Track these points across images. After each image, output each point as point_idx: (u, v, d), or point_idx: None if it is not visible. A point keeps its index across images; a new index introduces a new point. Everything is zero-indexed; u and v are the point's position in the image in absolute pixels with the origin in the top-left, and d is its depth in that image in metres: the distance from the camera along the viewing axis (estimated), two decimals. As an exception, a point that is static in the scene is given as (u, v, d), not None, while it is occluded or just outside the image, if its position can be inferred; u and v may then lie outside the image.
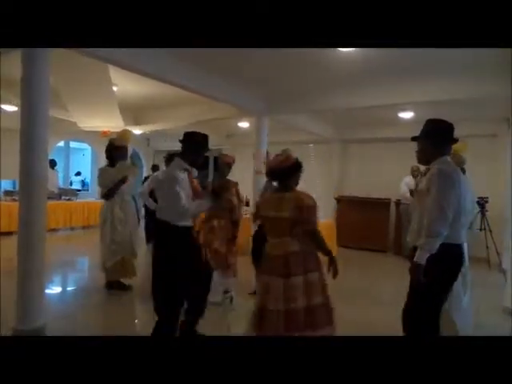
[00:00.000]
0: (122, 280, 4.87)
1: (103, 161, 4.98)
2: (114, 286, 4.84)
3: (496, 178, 7.20)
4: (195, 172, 3.08)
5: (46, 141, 3.42)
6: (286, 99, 6.50)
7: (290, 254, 2.73)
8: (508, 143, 6.52)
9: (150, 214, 7.39)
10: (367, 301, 4.68)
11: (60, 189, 10.47)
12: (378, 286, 5.94)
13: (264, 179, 6.76)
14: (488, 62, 4.47)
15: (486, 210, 7.09)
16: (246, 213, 6.08)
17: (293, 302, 2.66)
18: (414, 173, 7.22)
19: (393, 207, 8.64)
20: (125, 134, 4.91)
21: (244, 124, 9.07)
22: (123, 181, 4.62)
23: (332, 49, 4.31)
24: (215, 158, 4.54)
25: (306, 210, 2.73)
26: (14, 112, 6.76)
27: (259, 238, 4.50)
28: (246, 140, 9.24)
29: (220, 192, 3.03)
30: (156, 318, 2.88)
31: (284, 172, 2.87)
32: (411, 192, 7.33)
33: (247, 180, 6.39)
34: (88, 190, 13.31)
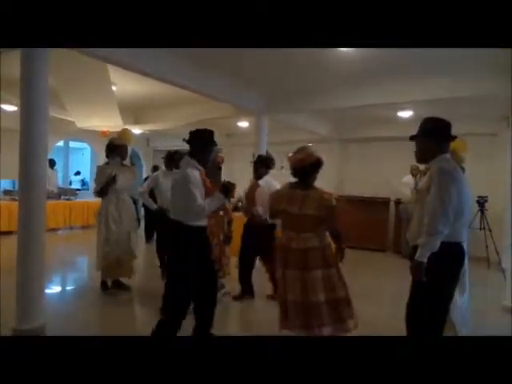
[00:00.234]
0: (121, 280, 4.87)
1: (103, 160, 4.96)
2: (113, 285, 4.83)
3: (496, 176, 7.20)
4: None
5: (45, 140, 3.42)
6: (286, 98, 6.50)
7: (310, 249, 2.87)
8: (508, 142, 6.52)
9: (149, 214, 7.40)
10: (367, 300, 4.68)
11: (59, 188, 10.46)
12: (378, 285, 5.94)
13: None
14: (488, 60, 4.47)
15: (486, 209, 7.10)
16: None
17: (313, 296, 2.81)
18: (414, 172, 7.21)
19: (392, 206, 8.65)
20: (125, 134, 4.90)
21: (244, 123, 9.07)
22: (112, 181, 4.53)
23: (332, 48, 4.31)
24: (171, 156, 4.43)
25: (330, 208, 2.91)
26: (13, 112, 6.75)
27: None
28: (245, 139, 9.24)
29: (231, 189, 3.00)
30: (158, 317, 2.88)
31: (306, 169, 2.97)
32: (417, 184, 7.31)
33: (247, 180, 6.38)
34: (88, 190, 13.28)
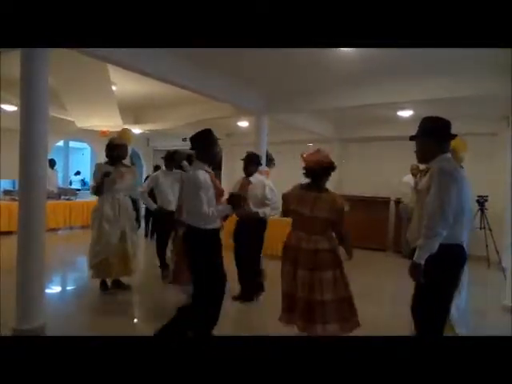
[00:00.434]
0: (121, 280, 4.86)
1: (103, 160, 4.94)
2: (113, 285, 4.83)
3: (496, 176, 7.20)
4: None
5: (45, 140, 3.42)
6: (286, 98, 6.50)
7: (321, 251, 2.94)
8: (508, 141, 6.52)
9: (150, 213, 7.43)
10: (367, 300, 4.68)
11: (59, 188, 10.46)
12: (378, 285, 5.94)
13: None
14: (488, 60, 4.47)
15: (486, 209, 7.10)
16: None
17: (321, 295, 2.89)
18: (414, 171, 7.21)
19: (392, 206, 8.65)
20: (125, 134, 4.88)
21: (243, 123, 9.07)
22: (107, 175, 4.50)
23: (331, 48, 4.31)
24: (189, 157, 4.38)
25: (341, 212, 2.98)
26: (13, 112, 6.75)
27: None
28: (245, 139, 9.24)
29: (239, 201, 3.02)
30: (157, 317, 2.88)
31: (321, 171, 3.04)
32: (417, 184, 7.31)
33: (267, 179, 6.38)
34: (88, 190, 13.29)
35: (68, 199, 10.03)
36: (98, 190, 4.56)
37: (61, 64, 4.89)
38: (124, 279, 4.85)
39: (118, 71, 5.12)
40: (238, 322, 4.25)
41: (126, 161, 5.15)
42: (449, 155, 2.51)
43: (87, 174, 14.74)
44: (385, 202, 8.60)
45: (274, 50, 4.23)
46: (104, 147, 4.81)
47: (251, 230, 4.52)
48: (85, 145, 13.72)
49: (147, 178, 7.33)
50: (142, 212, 8.89)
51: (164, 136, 11.51)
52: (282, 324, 3.21)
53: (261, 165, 4.70)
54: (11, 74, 4.42)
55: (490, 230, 6.86)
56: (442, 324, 2.50)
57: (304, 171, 3.16)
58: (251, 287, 4.63)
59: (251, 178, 4.58)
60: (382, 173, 8.96)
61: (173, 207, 4.68)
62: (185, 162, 4.43)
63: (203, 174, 2.89)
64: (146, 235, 8.81)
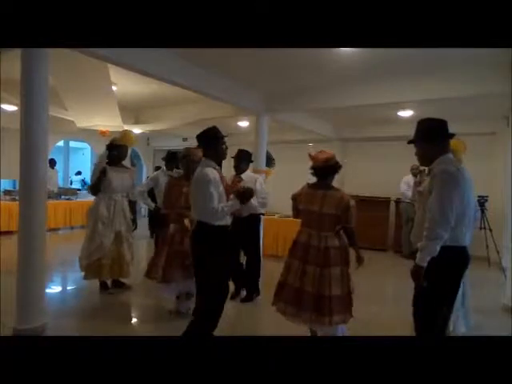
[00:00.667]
0: (121, 280, 4.86)
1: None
2: (113, 285, 4.82)
3: (495, 176, 7.20)
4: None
5: (45, 140, 3.43)
6: (286, 98, 6.50)
7: (331, 248, 3.05)
8: (507, 141, 6.52)
9: (150, 212, 7.42)
10: (367, 300, 4.68)
11: (60, 188, 10.47)
12: (378, 284, 5.94)
13: (262, 178, 6.81)
14: (487, 60, 4.47)
15: (486, 209, 7.10)
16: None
17: (329, 290, 2.99)
18: (414, 171, 7.21)
19: (392, 206, 8.65)
20: (128, 136, 4.85)
21: (244, 123, 9.07)
22: (103, 172, 4.49)
23: (331, 48, 4.31)
24: (182, 155, 4.24)
25: (349, 208, 3.07)
26: (13, 111, 6.75)
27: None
28: (245, 139, 9.24)
29: (248, 195, 3.00)
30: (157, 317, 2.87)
31: (329, 169, 3.15)
32: (417, 184, 7.32)
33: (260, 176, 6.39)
34: (88, 190, 13.29)
35: (68, 199, 10.02)
36: (95, 189, 4.56)
37: (61, 64, 4.89)
38: (124, 279, 4.85)
39: (118, 71, 5.12)
40: (237, 321, 4.25)
41: (127, 161, 5.14)
42: (450, 156, 2.47)
43: (87, 174, 14.73)
44: (385, 202, 8.60)
45: (273, 50, 4.23)
46: (104, 147, 4.80)
47: (248, 226, 4.51)
48: (85, 145, 13.72)
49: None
50: (143, 213, 8.88)
51: (164, 136, 11.50)
52: (282, 319, 3.26)
53: (252, 162, 4.66)
54: (11, 73, 4.42)
55: (490, 230, 6.86)
56: (444, 326, 2.48)
57: (312, 170, 3.23)
58: (252, 287, 4.62)
59: (242, 176, 4.54)
60: (382, 173, 8.96)
61: None
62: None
63: (212, 171, 2.91)
64: (152, 235, 8.77)
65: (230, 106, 6.60)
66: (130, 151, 5.37)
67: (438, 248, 2.29)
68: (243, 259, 4.78)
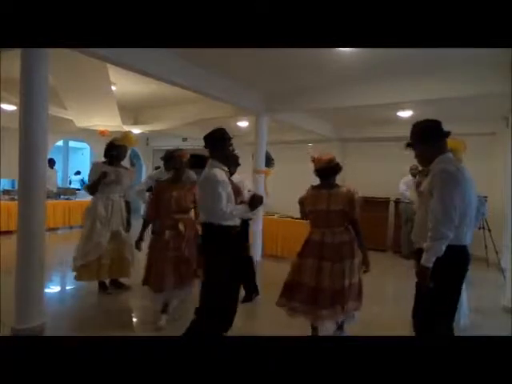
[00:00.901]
0: (121, 280, 4.86)
1: (102, 160, 4.92)
2: (112, 285, 4.82)
3: (495, 176, 7.20)
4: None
5: (45, 140, 3.42)
6: (286, 98, 6.50)
7: (344, 243, 3.23)
8: (507, 142, 6.53)
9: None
10: (367, 300, 4.67)
11: (59, 188, 10.46)
12: (378, 284, 5.94)
13: (262, 178, 6.81)
14: (487, 60, 4.48)
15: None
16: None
17: (342, 282, 3.16)
18: (413, 172, 7.22)
19: (392, 206, 8.65)
20: (127, 136, 4.83)
21: (243, 123, 9.07)
22: (104, 175, 4.46)
23: (331, 48, 4.31)
24: (169, 155, 4.10)
25: (356, 202, 3.24)
26: (13, 111, 6.74)
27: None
28: (245, 139, 9.24)
29: (259, 203, 3.04)
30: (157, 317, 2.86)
31: (332, 169, 3.31)
32: (417, 184, 7.33)
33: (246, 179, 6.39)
34: (87, 190, 13.26)
35: (67, 199, 10.01)
36: (92, 189, 4.53)
37: (60, 64, 4.89)
38: (124, 279, 4.84)
39: (118, 71, 5.12)
40: (237, 321, 4.25)
41: (126, 161, 5.12)
42: (449, 155, 2.46)
43: (87, 174, 14.72)
44: (384, 202, 8.60)
45: (273, 50, 4.23)
46: (103, 147, 4.79)
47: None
48: (84, 144, 13.70)
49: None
50: (142, 212, 8.85)
51: (164, 136, 11.49)
52: (285, 317, 3.38)
53: (239, 165, 4.58)
54: (10, 73, 4.41)
55: (489, 230, 6.85)
56: (448, 326, 2.48)
57: (315, 172, 3.36)
58: (250, 287, 4.61)
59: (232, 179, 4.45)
60: (382, 173, 8.96)
61: None
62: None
63: (220, 172, 2.90)
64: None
65: (229, 106, 6.60)
66: (129, 151, 5.36)
67: (444, 248, 2.28)
68: None
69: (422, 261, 2.33)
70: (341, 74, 5.37)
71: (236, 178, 4.47)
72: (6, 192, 9.18)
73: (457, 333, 3.30)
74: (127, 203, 4.86)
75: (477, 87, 4.89)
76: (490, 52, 4.07)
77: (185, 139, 11.20)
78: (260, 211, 4.48)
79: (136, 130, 8.65)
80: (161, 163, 4.89)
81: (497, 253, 6.70)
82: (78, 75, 5.58)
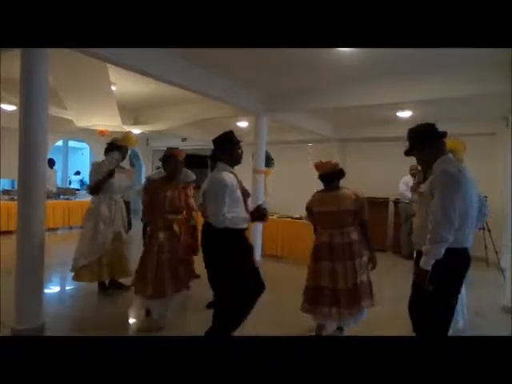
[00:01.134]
0: (120, 280, 4.85)
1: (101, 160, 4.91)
2: (111, 286, 4.81)
3: (495, 176, 7.20)
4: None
5: (45, 140, 3.42)
6: (286, 98, 6.50)
7: (354, 242, 3.34)
8: (507, 142, 6.53)
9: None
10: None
11: (58, 188, 10.45)
12: (378, 285, 5.93)
13: (261, 178, 6.81)
14: (486, 60, 4.48)
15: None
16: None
17: (355, 280, 3.30)
18: (413, 172, 7.22)
19: (391, 206, 8.65)
20: (128, 137, 4.83)
21: (243, 123, 9.07)
22: (110, 174, 4.45)
23: (331, 48, 4.31)
24: (167, 156, 3.91)
25: (364, 202, 3.38)
26: (13, 111, 6.74)
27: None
28: (245, 139, 9.23)
29: (263, 214, 3.02)
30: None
31: (337, 173, 3.44)
32: (412, 188, 7.35)
33: (246, 180, 6.37)
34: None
35: (67, 199, 10.01)
36: (96, 189, 4.50)
37: (60, 64, 4.88)
38: (123, 280, 4.84)
39: (118, 71, 5.11)
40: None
41: (125, 161, 5.11)
42: (450, 156, 2.46)
43: (86, 174, 14.72)
44: (384, 202, 8.59)
45: (273, 50, 4.22)
46: (103, 147, 4.78)
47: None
48: (84, 144, 13.69)
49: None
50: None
51: (163, 136, 11.49)
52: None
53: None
54: (10, 73, 4.41)
55: (489, 230, 6.86)
56: (447, 328, 2.47)
57: (320, 177, 3.48)
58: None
59: None
60: (381, 173, 8.96)
61: None
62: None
63: (229, 176, 2.89)
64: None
65: (229, 106, 6.59)
66: (129, 151, 5.35)
67: (443, 251, 2.26)
68: None
69: (421, 263, 2.32)
70: (341, 74, 5.37)
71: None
72: (5, 192, 9.18)
73: (456, 334, 3.33)
74: (126, 203, 4.86)
75: (477, 87, 4.89)
76: (490, 52, 4.07)
77: (184, 139, 11.20)
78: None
79: (136, 130, 8.64)
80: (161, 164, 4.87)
81: (496, 253, 6.70)
82: (77, 75, 5.57)
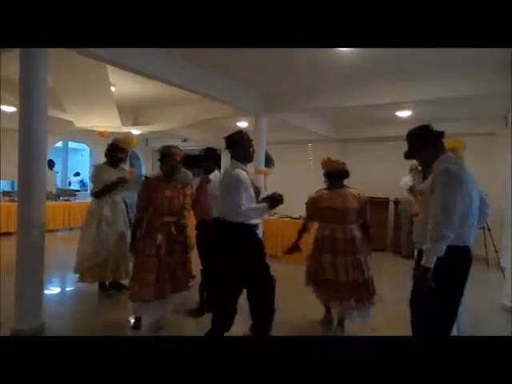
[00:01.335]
0: (120, 282, 4.85)
1: (101, 161, 4.91)
2: (111, 287, 4.81)
3: (494, 176, 7.20)
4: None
5: (44, 141, 3.42)
6: (285, 98, 6.51)
7: (356, 239, 3.51)
8: (506, 141, 6.53)
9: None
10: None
11: (58, 189, 10.44)
12: (377, 284, 5.93)
13: (262, 178, 6.80)
14: (486, 60, 4.48)
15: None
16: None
17: (361, 275, 3.46)
18: (413, 172, 7.22)
19: (391, 206, 8.65)
20: (129, 139, 4.82)
21: (243, 124, 9.06)
22: (120, 182, 4.46)
23: (331, 48, 4.31)
24: (164, 154, 3.76)
25: (366, 202, 3.63)
26: (12, 113, 6.74)
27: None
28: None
29: (279, 202, 3.06)
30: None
31: (343, 172, 3.66)
32: (410, 188, 7.37)
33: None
34: (87, 191, 13.26)
35: (67, 200, 10.01)
36: (103, 192, 4.48)
37: (60, 64, 4.88)
38: (125, 280, 4.83)
39: (117, 72, 5.11)
40: (237, 321, 4.25)
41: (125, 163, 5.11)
42: (450, 154, 2.46)
43: (86, 175, 14.70)
44: (384, 202, 8.59)
45: (273, 50, 4.22)
46: (103, 148, 4.78)
47: (211, 235, 3.90)
48: (84, 146, 13.68)
49: (146, 177, 7.30)
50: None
51: (163, 136, 11.48)
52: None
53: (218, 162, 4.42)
54: (10, 73, 4.41)
55: (489, 229, 6.86)
56: (449, 327, 2.46)
57: (328, 174, 3.66)
58: (204, 301, 4.18)
59: (210, 176, 4.13)
60: (381, 173, 8.96)
61: None
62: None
63: (242, 173, 2.94)
64: None
65: (229, 106, 6.59)
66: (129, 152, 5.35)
67: (444, 248, 2.26)
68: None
69: (423, 262, 2.31)
70: (341, 74, 5.37)
71: (217, 175, 4.13)
72: (5, 193, 9.17)
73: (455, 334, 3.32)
74: (126, 204, 4.86)
75: (477, 87, 4.89)
76: (490, 52, 4.07)
77: (184, 140, 11.19)
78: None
79: (135, 131, 8.64)
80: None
81: (497, 252, 6.70)
82: (77, 76, 5.57)
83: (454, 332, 3.16)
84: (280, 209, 8.18)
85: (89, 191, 12.28)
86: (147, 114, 8.96)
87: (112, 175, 4.52)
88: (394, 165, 8.36)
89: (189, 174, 4.22)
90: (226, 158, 3.98)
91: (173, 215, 3.65)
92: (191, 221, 4.03)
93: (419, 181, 3.02)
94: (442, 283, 2.31)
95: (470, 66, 4.71)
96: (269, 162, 6.55)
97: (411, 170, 7.35)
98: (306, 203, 3.80)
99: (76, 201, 10.21)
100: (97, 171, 4.63)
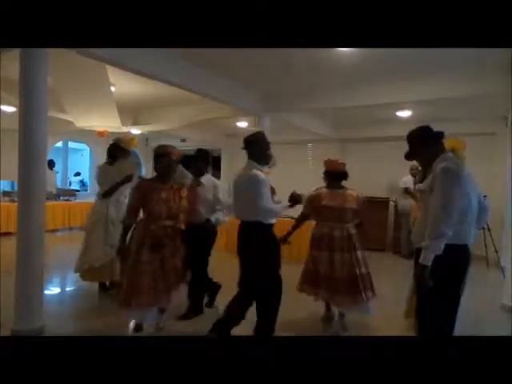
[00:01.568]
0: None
1: (102, 161, 4.91)
2: (112, 286, 4.81)
3: (494, 176, 7.21)
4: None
5: (44, 141, 3.42)
6: (285, 98, 6.51)
7: (353, 236, 3.64)
8: (506, 141, 6.53)
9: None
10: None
11: (58, 189, 10.44)
12: (378, 284, 5.93)
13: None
14: (486, 60, 4.48)
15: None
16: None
17: (359, 269, 3.57)
18: (413, 172, 7.23)
19: (391, 206, 8.65)
20: (131, 141, 4.83)
21: (243, 124, 9.06)
22: (128, 180, 4.47)
23: (331, 48, 4.31)
24: (160, 154, 3.48)
25: (364, 203, 3.77)
26: (12, 113, 6.74)
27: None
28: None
29: (299, 201, 3.21)
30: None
31: (343, 173, 3.80)
32: (406, 190, 7.39)
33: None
34: (87, 191, 13.27)
35: (67, 200, 10.01)
36: (110, 192, 4.50)
37: (60, 64, 4.88)
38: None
39: (117, 72, 5.11)
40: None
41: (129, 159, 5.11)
42: (450, 154, 2.48)
43: (86, 175, 14.69)
44: (384, 202, 8.59)
45: (273, 50, 4.22)
46: (103, 148, 4.78)
47: (199, 239, 3.85)
48: (84, 146, 13.67)
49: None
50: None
51: (163, 136, 11.49)
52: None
53: (209, 163, 4.23)
54: (10, 74, 4.41)
55: (489, 229, 6.86)
56: (451, 328, 2.46)
57: (329, 174, 3.79)
58: (193, 305, 4.08)
59: (202, 179, 4.03)
60: (381, 173, 8.96)
61: None
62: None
63: (261, 174, 3.03)
64: None
65: (229, 106, 6.60)
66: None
67: (443, 246, 2.26)
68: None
69: (421, 259, 2.31)
70: (341, 74, 5.37)
71: (209, 178, 4.09)
72: (5, 193, 9.17)
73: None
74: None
75: (477, 87, 4.89)
76: (490, 52, 4.07)
77: (183, 140, 11.19)
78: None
79: (135, 131, 8.64)
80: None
81: (496, 252, 6.70)
82: (77, 76, 5.57)
83: None
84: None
85: (89, 191, 12.36)
86: (147, 114, 8.96)
87: (115, 174, 4.53)
88: (394, 165, 8.37)
89: (187, 173, 4.15)
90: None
91: (170, 219, 3.38)
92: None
93: (417, 180, 3.04)
94: (441, 281, 2.31)
95: (470, 66, 4.71)
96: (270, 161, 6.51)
97: (411, 170, 7.35)
98: (305, 200, 3.71)
99: (76, 201, 10.21)
100: (102, 172, 4.63)
